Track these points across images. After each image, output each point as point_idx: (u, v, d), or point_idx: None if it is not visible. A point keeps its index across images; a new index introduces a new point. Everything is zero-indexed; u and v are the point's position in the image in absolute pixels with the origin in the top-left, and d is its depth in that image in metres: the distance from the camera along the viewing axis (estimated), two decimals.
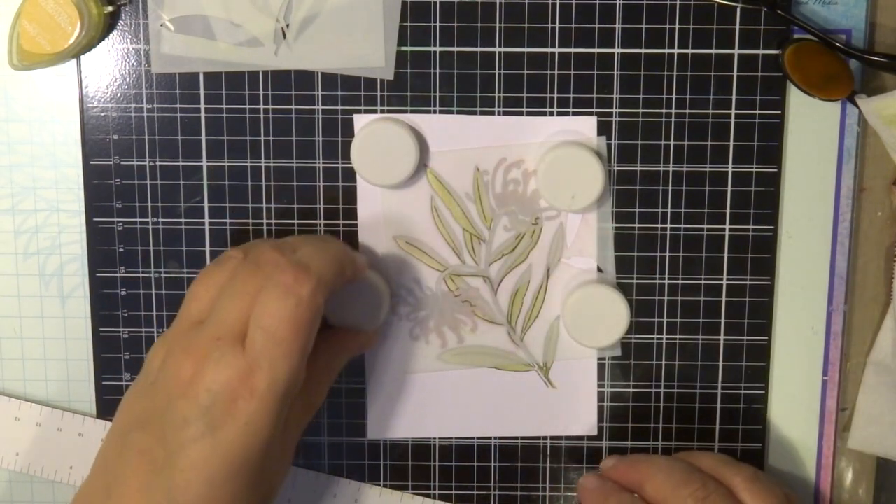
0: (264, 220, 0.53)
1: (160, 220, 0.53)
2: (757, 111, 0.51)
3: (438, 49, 0.51)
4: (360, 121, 0.52)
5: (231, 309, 0.44)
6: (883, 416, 0.53)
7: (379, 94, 0.51)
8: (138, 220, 0.53)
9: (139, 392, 0.45)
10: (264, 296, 0.43)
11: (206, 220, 0.53)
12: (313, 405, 0.49)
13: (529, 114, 0.52)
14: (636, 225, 0.53)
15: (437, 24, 0.51)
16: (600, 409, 0.54)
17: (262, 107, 0.52)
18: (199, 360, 0.43)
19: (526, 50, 0.51)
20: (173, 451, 0.42)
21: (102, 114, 0.52)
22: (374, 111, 0.52)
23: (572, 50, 0.51)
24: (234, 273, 0.45)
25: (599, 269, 0.53)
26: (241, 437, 0.42)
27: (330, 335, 0.50)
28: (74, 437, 0.54)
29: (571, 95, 0.51)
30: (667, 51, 0.51)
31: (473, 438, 0.55)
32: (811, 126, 0.52)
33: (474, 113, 0.52)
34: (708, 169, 0.52)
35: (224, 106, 0.52)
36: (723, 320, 0.53)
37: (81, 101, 0.52)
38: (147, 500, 0.42)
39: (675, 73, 0.51)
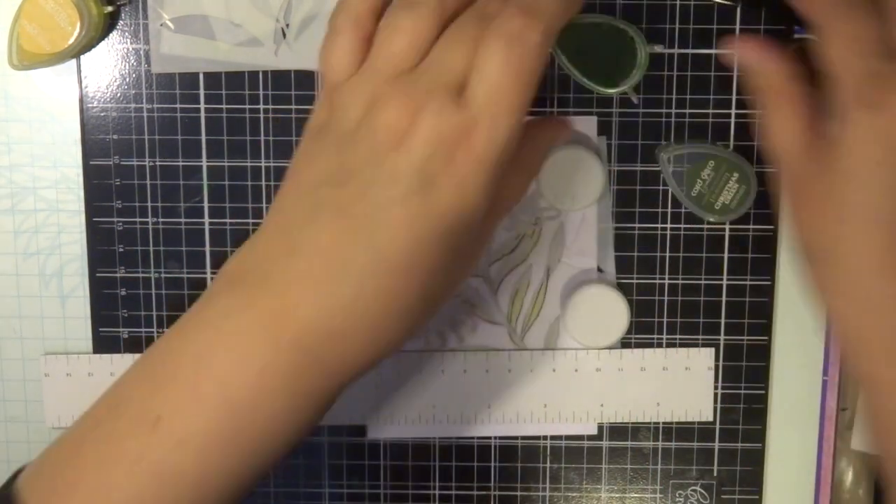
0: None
1: (160, 220, 0.53)
2: (757, 111, 0.51)
3: None
4: None
5: (451, 58, 0.38)
6: None
7: None
8: (138, 220, 0.53)
9: (329, 144, 0.40)
10: (488, 44, 0.38)
11: (206, 220, 0.53)
12: (513, 198, 0.44)
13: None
14: (636, 225, 0.53)
15: None
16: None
17: (262, 107, 0.52)
18: (415, 111, 0.37)
19: None
20: (379, 208, 0.37)
21: (102, 114, 0.52)
22: None
23: None
24: (436, 17, 0.39)
25: (599, 269, 0.53)
26: (456, 198, 0.38)
27: (528, 124, 0.43)
28: None
29: (571, 95, 0.51)
30: (667, 51, 0.51)
31: (473, 438, 0.55)
32: None
33: None
34: None
35: (224, 106, 0.52)
36: (723, 320, 0.53)
37: (81, 101, 0.52)
38: (342, 258, 0.38)
39: (675, 73, 0.51)
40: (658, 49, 0.46)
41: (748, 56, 0.45)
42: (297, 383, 0.38)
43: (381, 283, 0.38)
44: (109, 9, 0.50)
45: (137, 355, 0.53)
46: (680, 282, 0.53)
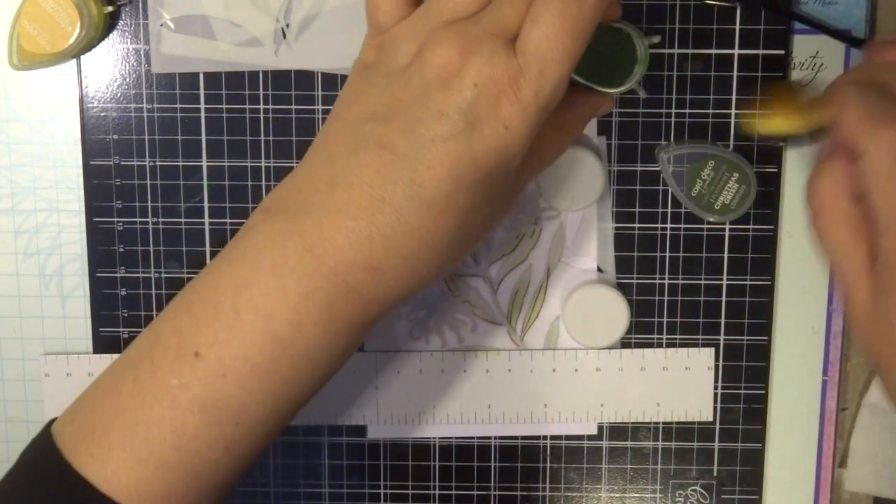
0: None
1: (160, 220, 0.53)
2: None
3: None
4: None
5: (507, 8, 0.39)
6: (876, 456, 0.54)
7: None
8: (138, 220, 0.53)
9: (377, 82, 0.40)
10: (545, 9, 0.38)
11: (206, 220, 0.53)
12: (548, 157, 0.44)
13: None
14: (636, 225, 0.53)
15: None
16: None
17: (262, 107, 0.52)
18: (467, 53, 0.38)
19: None
20: (422, 144, 0.38)
21: (102, 114, 0.52)
22: None
23: None
24: None
25: (599, 269, 0.53)
26: (498, 141, 0.38)
27: (572, 91, 0.43)
28: None
29: None
30: (667, 51, 0.51)
31: (473, 438, 0.55)
32: None
33: None
34: None
35: (224, 106, 0.52)
36: (723, 320, 0.53)
37: (81, 101, 0.52)
38: (382, 191, 0.38)
39: (675, 73, 0.51)
40: (655, 40, 0.46)
41: (828, 162, 0.42)
42: (334, 313, 0.39)
43: (418, 218, 0.38)
44: (109, 9, 0.50)
45: None
46: (680, 282, 0.53)
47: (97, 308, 0.54)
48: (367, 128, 0.39)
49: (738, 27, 0.51)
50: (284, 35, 0.51)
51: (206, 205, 0.53)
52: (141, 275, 0.53)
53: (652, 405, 0.54)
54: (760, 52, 0.51)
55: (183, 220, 0.53)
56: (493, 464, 0.55)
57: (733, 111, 0.52)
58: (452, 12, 0.40)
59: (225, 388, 0.39)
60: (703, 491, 0.55)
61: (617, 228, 0.53)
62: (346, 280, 0.39)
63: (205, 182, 0.52)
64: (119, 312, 0.54)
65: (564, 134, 0.45)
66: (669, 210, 0.52)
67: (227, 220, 0.53)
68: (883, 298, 0.39)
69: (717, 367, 0.54)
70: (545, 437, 0.55)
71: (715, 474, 0.55)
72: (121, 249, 0.53)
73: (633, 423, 0.54)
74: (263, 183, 0.52)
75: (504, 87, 0.38)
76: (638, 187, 0.52)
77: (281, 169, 0.52)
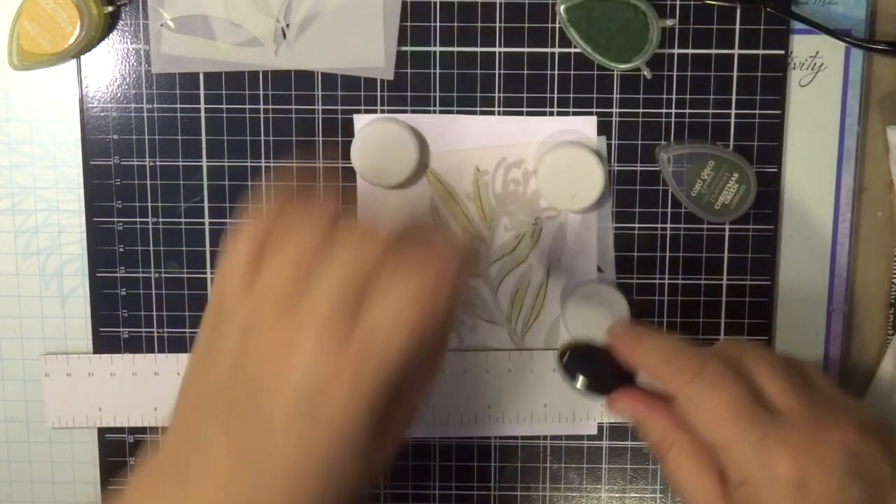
0: None
1: (160, 220, 0.53)
2: (757, 111, 0.52)
3: (438, 49, 0.51)
4: (360, 121, 0.52)
5: (342, 285, 0.37)
6: None
7: (379, 94, 0.51)
8: (138, 220, 0.53)
9: (215, 367, 0.39)
10: (395, 281, 0.37)
11: (206, 220, 0.53)
12: (403, 426, 0.43)
13: (529, 114, 0.52)
14: (636, 225, 0.53)
15: (437, 24, 0.51)
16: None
17: (262, 107, 0.52)
18: (295, 346, 0.37)
19: (526, 50, 0.51)
20: (260, 438, 0.37)
21: (102, 114, 0.52)
22: (374, 111, 0.52)
23: (572, 50, 0.51)
24: (324, 234, 0.38)
25: (599, 269, 0.53)
26: (336, 434, 0.37)
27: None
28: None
29: (571, 95, 0.51)
30: (667, 51, 0.51)
31: (473, 438, 0.55)
32: (811, 126, 0.52)
33: (474, 113, 0.52)
34: None
35: (224, 106, 0.52)
36: (723, 320, 0.53)
37: (81, 101, 0.52)
38: (228, 489, 0.38)
39: (675, 73, 0.51)
40: (670, 22, 0.46)
41: (637, 412, 0.45)
42: None
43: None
44: (109, 9, 0.50)
45: (137, 355, 0.53)
46: (680, 282, 0.53)
47: (97, 308, 0.54)
48: (212, 411, 0.38)
49: (738, 27, 0.51)
50: (284, 35, 0.51)
51: (206, 205, 0.53)
52: (141, 275, 0.53)
53: None
54: (760, 52, 0.51)
55: (183, 220, 0.53)
56: (493, 464, 0.55)
57: (733, 111, 0.52)
58: (279, 292, 0.38)
59: None
60: None
61: (617, 228, 0.53)
62: None
63: (205, 182, 0.52)
64: (119, 312, 0.54)
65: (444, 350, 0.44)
66: (669, 210, 0.52)
67: (227, 220, 0.53)
68: None
69: None
70: (545, 437, 0.55)
71: None
72: (121, 249, 0.53)
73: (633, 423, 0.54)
74: (263, 183, 0.52)
75: (339, 383, 0.37)
76: (638, 187, 0.52)
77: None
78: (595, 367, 0.47)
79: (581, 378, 0.47)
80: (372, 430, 0.38)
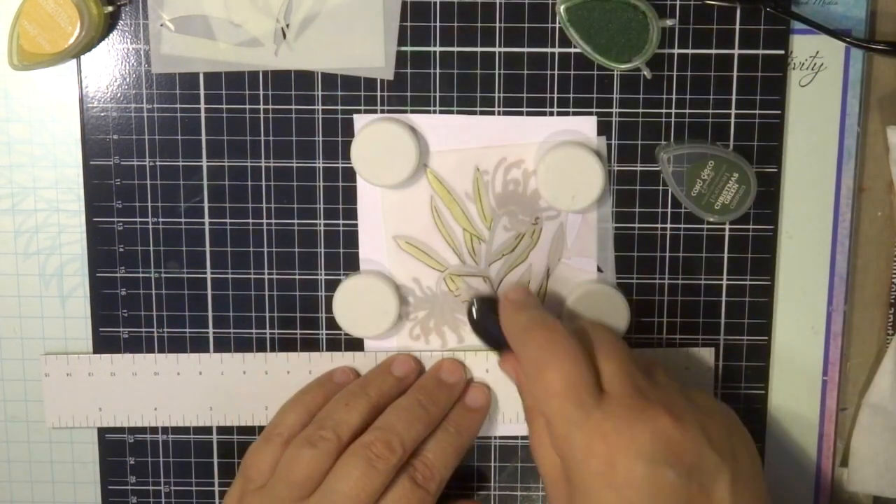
0: (264, 220, 0.53)
1: (160, 220, 0.53)
2: (757, 111, 0.52)
3: (438, 49, 0.51)
4: (360, 121, 0.52)
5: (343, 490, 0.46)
6: (877, 456, 0.53)
7: (379, 94, 0.51)
8: (138, 220, 0.53)
9: None
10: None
11: (206, 220, 0.53)
12: None
13: (529, 114, 0.52)
14: (636, 225, 0.53)
15: (437, 24, 0.51)
16: None
17: (262, 107, 0.52)
18: None
19: (526, 50, 0.51)
20: None
21: (102, 114, 0.52)
22: (374, 111, 0.52)
23: (572, 50, 0.51)
24: (334, 454, 0.47)
25: (599, 269, 0.53)
26: None
27: None
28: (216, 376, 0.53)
29: (571, 95, 0.51)
30: (667, 51, 0.51)
31: (474, 439, 0.54)
32: (811, 126, 0.52)
33: (474, 113, 0.52)
34: None
35: (224, 106, 0.52)
36: (723, 320, 0.53)
37: (81, 101, 0.52)
38: None
39: (675, 73, 0.51)
40: (670, 22, 0.46)
41: (516, 376, 0.49)
42: None
43: None
44: (109, 9, 0.50)
45: (137, 355, 0.53)
46: (680, 282, 0.53)
47: (97, 308, 0.54)
48: None
49: (738, 27, 0.51)
50: (284, 35, 0.51)
51: (206, 205, 0.53)
52: (141, 275, 0.53)
53: None
54: (760, 52, 0.51)
55: (183, 220, 0.53)
56: (493, 464, 0.55)
57: (733, 111, 0.52)
58: (290, 494, 0.47)
59: None
60: None
61: (617, 228, 0.53)
62: None
63: (205, 182, 0.52)
64: (119, 312, 0.54)
65: None
66: (669, 210, 0.52)
67: (227, 220, 0.53)
68: (574, 498, 0.44)
69: (717, 367, 0.54)
70: None
71: None
72: (121, 249, 0.53)
73: None
74: (263, 183, 0.52)
75: None
76: (638, 187, 0.52)
77: (281, 169, 0.52)
78: (497, 323, 0.49)
79: (482, 331, 0.50)
80: None
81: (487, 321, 0.50)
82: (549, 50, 0.51)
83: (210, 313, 0.54)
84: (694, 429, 0.43)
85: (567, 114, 0.52)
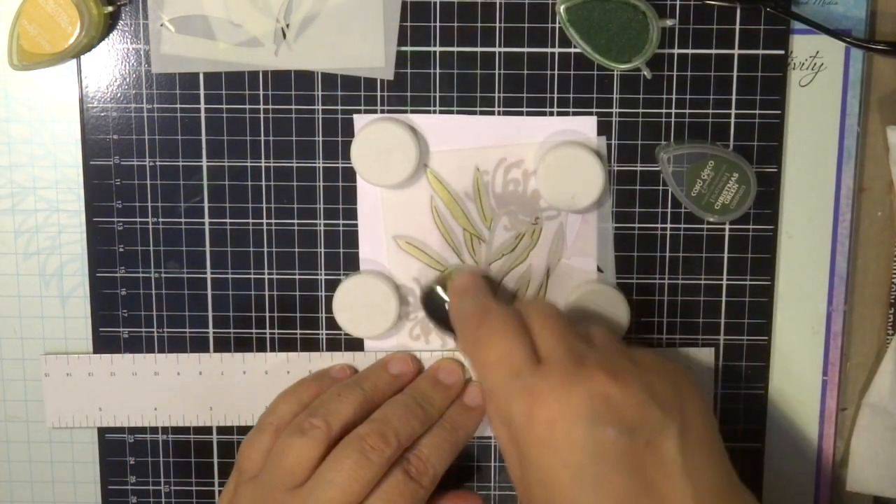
0: (264, 220, 0.53)
1: (160, 220, 0.53)
2: (757, 111, 0.52)
3: (438, 49, 0.51)
4: (360, 121, 0.52)
5: (334, 480, 0.46)
6: (878, 456, 0.54)
7: (379, 94, 0.51)
8: (138, 220, 0.53)
9: None
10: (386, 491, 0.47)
11: (206, 220, 0.53)
12: None
13: (529, 114, 0.52)
14: (636, 225, 0.53)
15: (437, 24, 0.51)
16: None
17: (262, 107, 0.52)
18: None
19: (526, 50, 0.51)
20: None
21: (102, 114, 0.52)
22: (374, 111, 0.52)
23: (572, 50, 0.51)
24: (325, 442, 0.47)
25: (599, 269, 0.53)
26: None
27: None
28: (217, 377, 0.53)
29: (571, 95, 0.51)
30: (667, 51, 0.51)
31: (474, 439, 0.54)
32: (811, 126, 0.52)
33: (474, 113, 0.52)
34: None
35: (224, 106, 0.52)
36: (723, 320, 0.53)
37: (81, 101, 0.52)
38: None
39: (675, 73, 0.51)
40: (670, 22, 0.46)
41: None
42: None
43: None
44: (109, 9, 0.50)
45: (137, 355, 0.53)
46: (680, 282, 0.53)
47: (97, 308, 0.54)
48: None
49: (738, 27, 0.51)
50: (284, 35, 0.51)
51: (206, 205, 0.53)
52: (141, 275, 0.53)
53: None
54: (760, 52, 0.51)
55: (183, 220, 0.53)
56: (493, 464, 0.55)
57: (733, 111, 0.52)
58: (283, 482, 0.47)
59: None
60: None
61: (617, 228, 0.53)
62: None
63: (205, 182, 0.52)
64: (119, 312, 0.54)
65: None
66: (669, 210, 0.52)
67: (227, 220, 0.53)
68: (523, 466, 0.44)
69: (717, 367, 0.54)
70: None
71: None
72: (121, 249, 0.53)
73: None
74: (263, 183, 0.52)
75: None
76: (638, 187, 0.52)
77: (281, 169, 0.52)
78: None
79: (435, 318, 0.52)
80: None
81: (439, 308, 0.51)
82: (549, 50, 0.51)
83: (210, 313, 0.54)
84: (634, 386, 0.43)
85: (567, 114, 0.52)
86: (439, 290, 0.52)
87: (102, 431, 0.55)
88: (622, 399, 0.42)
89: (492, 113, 0.52)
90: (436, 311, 0.52)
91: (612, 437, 0.42)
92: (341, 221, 0.53)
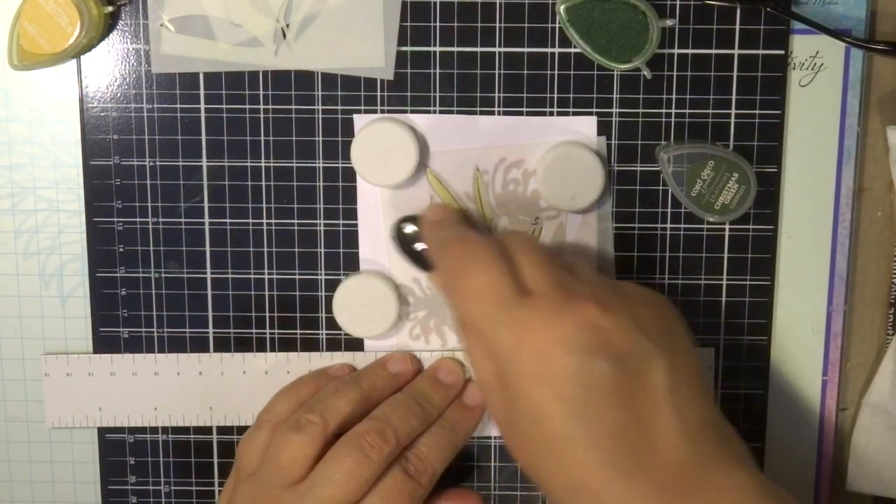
0: (264, 220, 0.53)
1: (160, 220, 0.53)
2: (757, 111, 0.51)
3: (438, 49, 0.51)
4: (360, 121, 0.52)
5: (332, 479, 0.46)
6: (877, 456, 0.53)
7: (379, 94, 0.51)
8: (138, 220, 0.53)
9: None
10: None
11: (206, 220, 0.53)
12: None
13: (529, 114, 0.52)
14: (636, 225, 0.53)
15: (437, 24, 0.51)
16: None
17: (262, 107, 0.52)
18: None
19: (526, 50, 0.51)
20: None
21: (102, 114, 0.52)
22: (374, 111, 0.52)
23: (572, 50, 0.51)
24: (321, 439, 0.47)
25: (599, 269, 0.53)
26: None
27: None
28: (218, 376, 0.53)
29: (571, 95, 0.51)
30: (667, 51, 0.51)
31: (473, 438, 0.54)
32: (811, 126, 0.52)
33: (474, 113, 0.52)
34: None
35: (224, 106, 0.52)
36: (723, 320, 0.53)
37: (81, 101, 0.52)
38: None
39: (675, 73, 0.51)
40: (670, 22, 0.47)
41: (443, 288, 0.47)
42: None
43: None
44: (109, 9, 0.50)
45: (137, 355, 0.53)
46: (680, 282, 0.53)
47: (97, 308, 0.54)
48: None
49: (738, 27, 0.51)
50: (284, 35, 0.51)
51: (206, 205, 0.53)
52: (141, 275, 0.53)
53: None
54: (760, 52, 0.51)
55: (183, 220, 0.53)
56: (493, 464, 0.55)
57: (733, 111, 0.52)
58: (280, 479, 0.47)
59: None
60: None
61: (617, 228, 0.53)
62: None
63: (205, 182, 0.52)
64: (119, 312, 0.54)
65: None
66: (669, 210, 0.52)
67: (227, 220, 0.53)
68: (511, 402, 0.43)
69: (717, 367, 0.54)
70: None
71: None
72: (121, 249, 0.53)
73: None
74: (263, 183, 0.52)
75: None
76: (638, 187, 0.52)
77: (281, 169, 0.52)
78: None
79: (408, 251, 0.51)
80: None
81: (411, 241, 0.51)
82: (549, 50, 0.51)
83: (210, 313, 0.54)
84: (624, 317, 0.42)
85: (567, 114, 0.52)
86: (409, 226, 0.51)
87: (102, 431, 0.55)
88: (613, 330, 0.42)
89: (492, 113, 0.52)
90: (407, 245, 0.51)
91: (603, 368, 0.41)
92: (341, 221, 0.53)
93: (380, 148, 0.51)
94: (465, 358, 0.49)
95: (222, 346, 0.54)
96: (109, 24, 0.51)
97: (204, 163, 0.52)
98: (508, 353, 0.42)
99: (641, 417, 0.41)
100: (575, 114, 0.52)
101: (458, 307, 0.45)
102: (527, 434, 0.43)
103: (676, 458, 0.41)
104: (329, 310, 0.53)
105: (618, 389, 0.41)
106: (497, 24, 0.51)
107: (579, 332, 0.41)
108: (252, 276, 0.53)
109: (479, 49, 0.51)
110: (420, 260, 0.51)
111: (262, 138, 0.52)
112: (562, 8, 0.49)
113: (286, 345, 0.54)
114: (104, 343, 0.54)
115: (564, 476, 0.42)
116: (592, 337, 0.42)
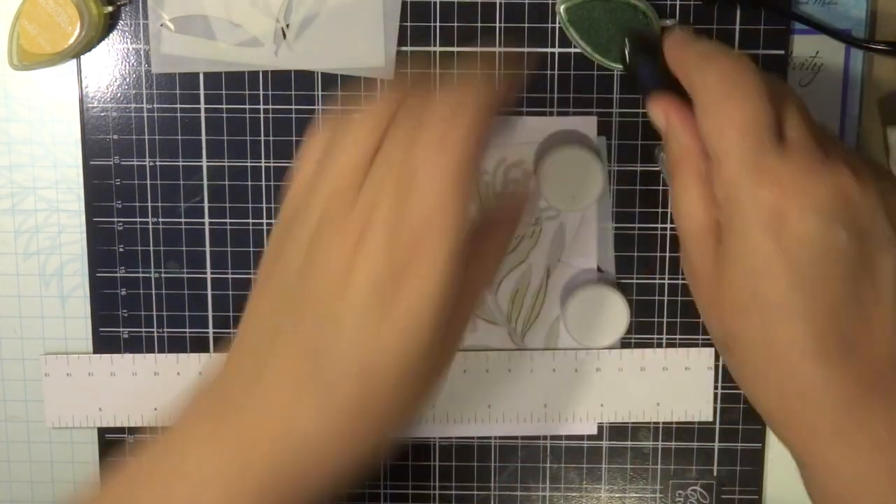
0: (264, 220, 0.53)
1: (160, 220, 0.53)
2: None
3: (438, 49, 0.51)
4: None
5: (383, 185, 0.38)
6: None
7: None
8: (138, 220, 0.53)
9: (282, 277, 0.40)
10: (414, 166, 0.38)
11: (206, 220, 0.53)
12: (466, 315, 0.42)
13: (529, 114, 0.52)
14: (636, 225, 0.53)
15: (437, 24, 0.51)
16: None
17: (262, 107, 0.52)
18: (351, 254, 0.37)
19: (526, 50, 0.51)
20: (327, 348, 0.38)
21: (102, 114, 0.52)
22: None
23: (572, 50, 0.51)
24: (372, 136, 0.41)
25: (599, 269, 0.53)
26: (400, 339, 0.37)
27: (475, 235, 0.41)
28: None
29: (571, 95, 0.51)
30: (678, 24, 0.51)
31: (473, 438, 0.55)
32: None
33: None
34: None
35: (224, 106, 0.52)
36: None
37: (81, 101, 0.52)
38: (298, 396, 0.38)
39: None
40: (669, 23, 0.47)
41: (668, 120, 0.43)
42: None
43: (333, 423, 0.38)
44: (109, 9, 0.50)
45: (137, 355, 0.53)
46: (680, 282, 0.53)
47: (97, 308, 0.54)
48: (281, 323, 0.39)
49: (738, 27, 0.51)
50: (284, 35, 0.51)
51: (206, 205, 0.53)
52: (141, 275, 0.53)
53: (652, 405, 0.54)
54: (760, 52, 0.51)
55: (183, 220, 0.53)
56: (493, 464, 0.55)
57: None
58: (336, 187, 0.39)
59: None
60: (703, 491, 0.55)
61: (617, 228, 0.53)
62: (269, 478, 0.39)
63: (205, 182, 0.52)
64: (119, 312, 0.54)
65: (482, 275, 0.43)
66: (669, 210, 0.52)
67: (227, 220, 0.53)
68: (731, 248, 0.40)
69: (717, 367, 0.54)
70: (545, 437, 0.55)
71: (715, 474, 0.55)
72: (121, 249, 0.53)
73: (632, 423, 0.54)
74: (263, 183, 0.52)
75: (395, 285, 0.37)
76: (638, 187, 0.52)
77: (281, 169, 0.52)
78: (652, 63, 0.45)
79: (635, 68, 0.46)
80: (440, 324, 0.38)
81: (641, 58, 0.46)
82: (549, 50, 0.51)
83: (210, 313, 0.54)
84: (873, 194, 0.39)
85: (567, 114, 0.52)
86: (628, 41, 0.46)
87: (102, 431, 0.55)
88: (861, 205, 0.39)
89: None
90: (638, 62, 0.46)
91: (843, 239, 0.38)
92: None
93: None
94: (674, 199, 0.43)
95: (222, 346, 0.54)
96: (109, 24, 0.51)
97: (204, 163, 0.52)
98: (745, 196, 0.39)
99: (862, 303, 0.39)
100: (575, 114, 0.52)
101: (706, 132, 0.41)
102: (737, 289, 0.40)
103: (886, 353, 0.39)
104: None
105: (849, 266, 0.38)
106: (497, 24, 0.51)
107: (830, 196, 0.38)
108: (252, 277, 0.53)
109: (479, 49, 0.51)
110: (646, 79, 0.45)
111: (262, 138, 0.52)
112: (562, 8, 0.49)
113: None
114: (104, 343, 0.54)
115: (763, 336, 0.39)
116: (841, 205, 0.38)
